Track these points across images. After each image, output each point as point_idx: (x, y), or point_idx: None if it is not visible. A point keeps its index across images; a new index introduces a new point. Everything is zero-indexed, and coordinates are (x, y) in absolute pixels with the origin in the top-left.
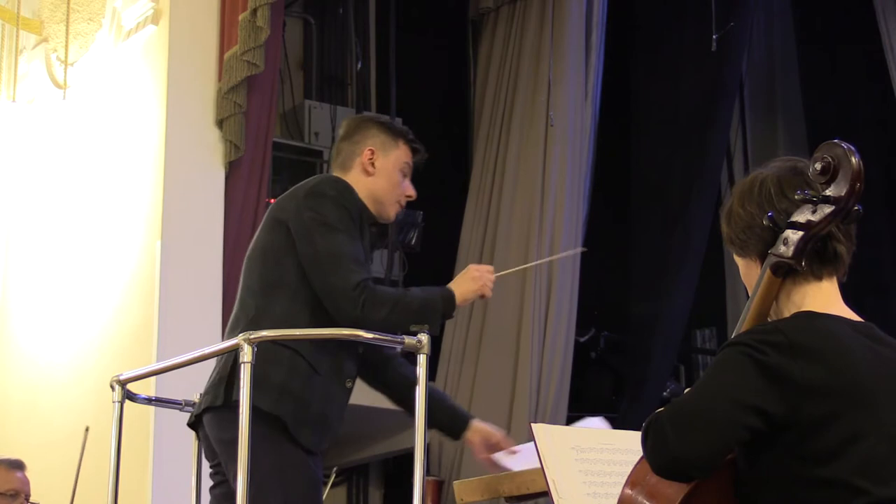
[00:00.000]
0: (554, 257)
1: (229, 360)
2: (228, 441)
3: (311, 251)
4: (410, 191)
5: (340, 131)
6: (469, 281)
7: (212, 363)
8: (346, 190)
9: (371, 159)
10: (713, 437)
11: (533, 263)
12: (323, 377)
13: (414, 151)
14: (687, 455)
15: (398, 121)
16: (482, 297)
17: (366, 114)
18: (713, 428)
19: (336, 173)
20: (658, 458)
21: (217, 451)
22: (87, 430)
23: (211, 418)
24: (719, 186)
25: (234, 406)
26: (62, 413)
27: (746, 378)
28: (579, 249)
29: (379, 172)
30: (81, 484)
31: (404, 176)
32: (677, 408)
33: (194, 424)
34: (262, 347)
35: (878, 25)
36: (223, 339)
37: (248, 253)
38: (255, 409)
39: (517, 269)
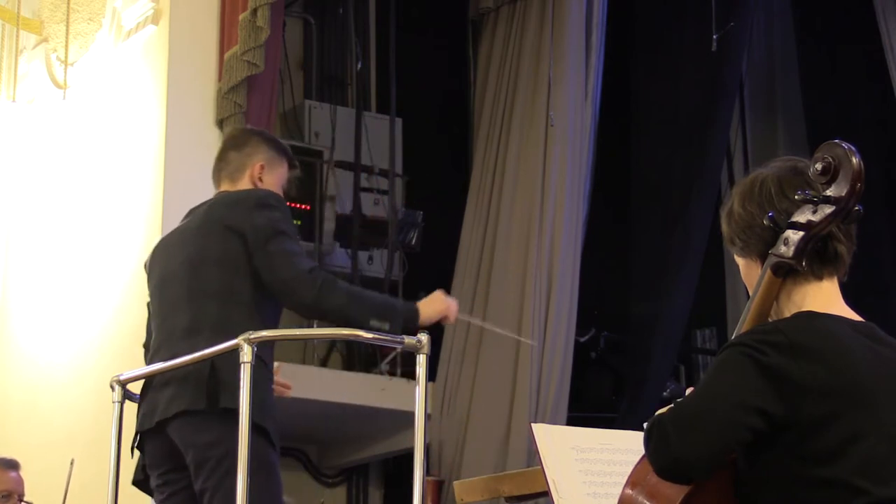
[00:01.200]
0: (509, 334)
1: (206, 364)
2: (207, 444)
3: (266, 256)
4: None
5: (227, 140)
6: (435, 302)
7: None
8: (282, 201)
9: (260, 174)
10: (714, 438)
11: (492, 328)
12: (267, 366)
13: (291, 168)
14: (688, 456)
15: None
16: (444, 319)
17: (254, 128)
18: (714, 429)
19: (222, 181)
20: (660, 460)
21: (187, 456)
22: (72, 462)
23: (185, 423)
24: (719, 186)
25: (219, 413)
26: (62, 413)
27: (747, 378)
28: (532, 342)
29: (265, 186)
30: (81, 484)
31: (282, 191)
32: (679, 409)
33: (149, 430)
34: (229, 358)
35: (878, 25)
36: (179, 343)
37: (188, 255)
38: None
39: (477, 322)
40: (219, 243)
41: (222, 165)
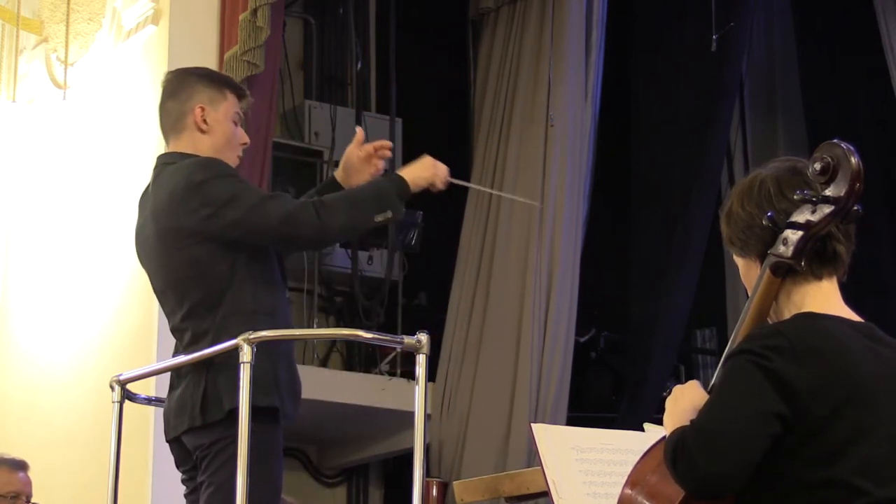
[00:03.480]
0: (512, 196)
1: (199, 387)
2: (209, 444)
3: (237, 228)
4: (244, 138)
5: (163, 88)
6: (420, 167)
7: None
8: (210, 164)
9: (203, 116)
10: (740, 453)
11: (491, 190)
12: (283, 342)
13: (241, 98)
14: (718, 475)
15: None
16: (432, 186)
17: (185, 68)
18: (739, 443)
19: (170, 138)
20: (692, 483)
21: (195, 456)
22: None
23: (190, 436)
24: (719, 186)
25: (212, 424)
26: (62, 413)
27: (759, 386)
28: (537, 204)
29: (213, 128)
30: (81, 484)
31: (236, 125)
32: (700, 428)
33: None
34: (226, 353)
35: (878, 25)
36: (184, 354)
37: (165, 277)
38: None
39: (476, 186)
40: (183, 257)
41: (163, 118)
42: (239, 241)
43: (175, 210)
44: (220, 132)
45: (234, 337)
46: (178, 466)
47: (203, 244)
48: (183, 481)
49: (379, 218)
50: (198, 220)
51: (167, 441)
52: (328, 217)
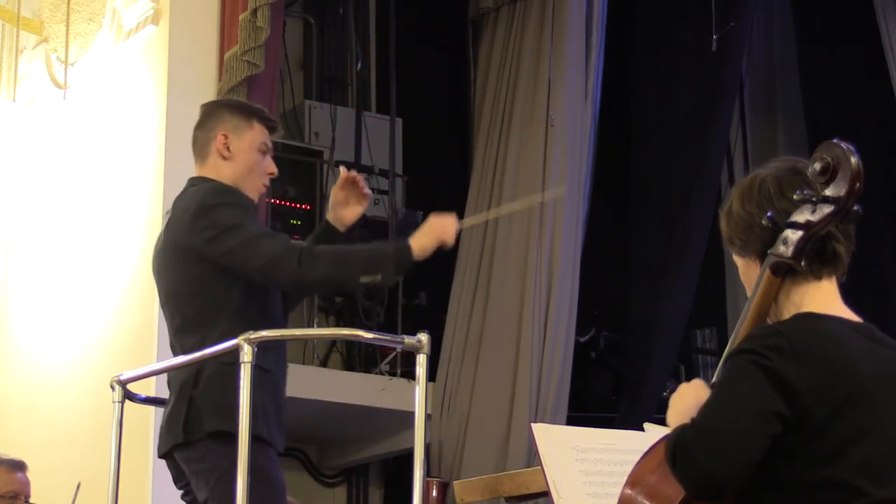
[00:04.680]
0: (520, 207)
1: (183, 398)
2: (196, 460)
3: (230, 258)
4: (271, 168)
5: (198, 119)
6: (428, 231)
7: None
8: (224, 191)
9: (225, 143)
10: (741, 453)
11: (497, 211)
12: (271, 372)
13: (270, 129)
14: (719, 475)
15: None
16: (444, 246)
17: (218, 99)
18: (739, 443)
19: (197, 164)
20: (692, 483)
21: (188, 477)
22: (78, 486)
23: (178, 452)
24: (719, 186)
25: (197, 441)
26: (62, 413)
27: (759, 386)
28: (538, 198)
29: (235, 156)
30: (82, 484)
31: (263, 155)
32: (700, 427)
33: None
34: (215, 373)
35: (878, 25)
36: (180, 371)
37: (165, 288)
38: (226, 436)
39: (482, 217)
40: (181, 273)
41: (193, 145)
42: (230, 270)
43: (184, 227)
44: (243, 160)
45: (217, 360)
46: (175, 483)
47: (201, 264)
48: (181, 496)
49: (365, 279)
50: (200, 240)
51: (160, 457)
52: (309, 267)
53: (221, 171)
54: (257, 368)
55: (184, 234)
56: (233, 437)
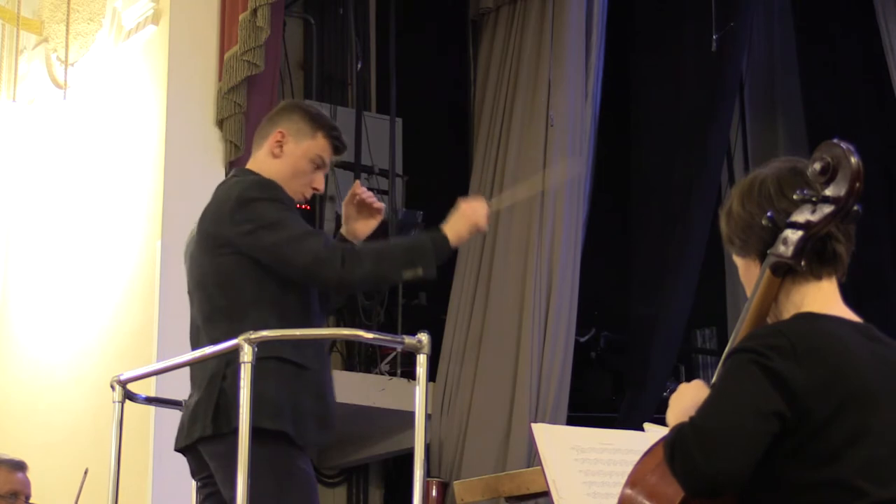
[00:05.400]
0: (532, 191)
1: (212, 391)
2: (223, 455)
3: (269, 254)
4: (318, 184)
5: None
6: (460, 218)
7: None
8: (267, 185)
9: (279, 142)
10: (740, 452)
11: (527, 189)
12: (312, 370)
13: (335, 149)
14: (718, 474)
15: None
16: (479, 230)
17: (300, 101)
18: (738, 443)
19: (252, 153)
20: (690, 482)
21: (214, 472)
22: (86, 472)
23: (204, 444)
24: (719, 186)
25: (225, 435)
26: (62, 413)
27: (759, 385)
28: (567, 173)
29: (285, 157)
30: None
31: (316, 167)
32: (699, 426)
33: (183, 448)
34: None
35: (878, 25)
36: (198, 366)
37: (195, 277)
38: (256, 431)
39: (512, 195)
40: (212, 264)
41: (255, 135)
42: (267, 266)
43: (221, 217)
44: (290, 163)
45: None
46: (193, 475)
47: (235, 256)
48: (198, 489)
49: (408, 274)
50: (237, 233)
51: (179, 449)
52: (352, 267)
53: (267, 167)
54: (293, 365)
55: (220, 224)
56: (260, 433)
